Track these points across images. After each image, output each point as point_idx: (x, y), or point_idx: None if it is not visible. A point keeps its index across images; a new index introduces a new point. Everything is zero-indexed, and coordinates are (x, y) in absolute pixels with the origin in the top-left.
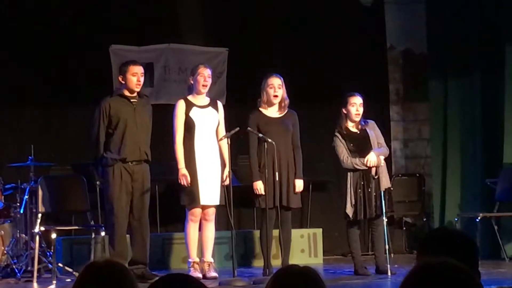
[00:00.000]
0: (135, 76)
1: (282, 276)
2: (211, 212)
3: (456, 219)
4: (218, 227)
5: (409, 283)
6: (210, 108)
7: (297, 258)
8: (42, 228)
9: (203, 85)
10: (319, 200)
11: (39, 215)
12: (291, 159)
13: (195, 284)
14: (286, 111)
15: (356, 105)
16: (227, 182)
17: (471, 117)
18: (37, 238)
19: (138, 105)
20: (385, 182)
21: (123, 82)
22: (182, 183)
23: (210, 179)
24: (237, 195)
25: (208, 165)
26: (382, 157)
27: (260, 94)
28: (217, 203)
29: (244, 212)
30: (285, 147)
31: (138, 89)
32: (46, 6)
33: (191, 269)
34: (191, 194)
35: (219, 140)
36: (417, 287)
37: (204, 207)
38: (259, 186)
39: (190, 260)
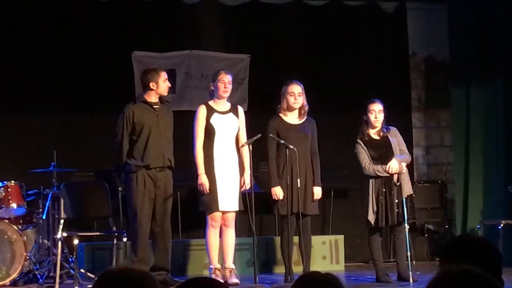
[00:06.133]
0: (166, 82)
1: (305, 283)
2: (231, 218)
3: (478, 226)
4: (239, 234)
5: None
6: (230, 114)
7: (319, 264)
8: (65, 234)
9: (223, 91)
10: (340, 207)
11: (62, 221)
12: (309, 166)
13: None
14: (305, 118)
15: (375, 112)
16: (247, 187)
17: (494, 124)
18: (59, 244)
19: (161, 112)
20: (407, 189)
21: (154, 88)
22: (201, 190)
23: (228, 185)
24: (259, 202)
25: (226, 171)
26: (404, 164)
27: (280, 100)
28: (236, 209)
29: (266, 219)
30: (303, 153)
31: (166, 94)
32: (69, 13)
33: (213, 275)
34: (209, 199)
35: (240, 147)
36: None
37: (223, 213)
38: (277, 192)
39: (211, 266)
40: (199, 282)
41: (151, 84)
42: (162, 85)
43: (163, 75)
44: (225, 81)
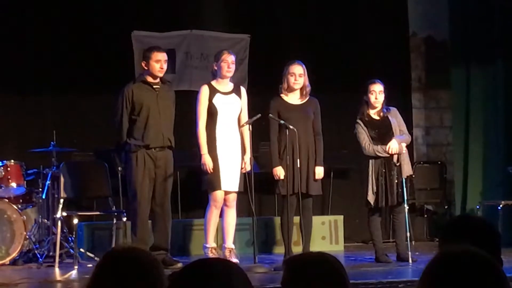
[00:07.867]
0: (158, 63)
1: (294, 264)
2: (232, 198)
3: (477, 207)
4: (239, 214)
5: (431, 271)
6: (233, 94)
7: (318, 245)
8: (64, 214)
9: (227, 71)
10: (340, 187)
11: (61, 200)
12: (311, 146)
13: (236, 271)
14: (307, 98)
15: (375, 92)
16: (248, 168)
17: (493, 104)
18: (59, 223)
19: (160, 91)
20: (407, 170)
21: (146, 68)
22: (204, 169)
23: (230, 165)
24: (258, 182)
25: (228, 151)
26: (403, 144)
27: (282, 80)
28: (237, 189)
29: (265, 199)
30: (305, 134)
31: (160, 75)
32: None
33: (210, 254)
34: (212, 178)
35: (240, 126)
36: (439, 275)
37: (225, 193)
38: (278, 172)
39: (207, 245)
40: (208, 263)
41: (143, 63)
42: (152, 65)
43: (155, 56)
44: (229, 61)
